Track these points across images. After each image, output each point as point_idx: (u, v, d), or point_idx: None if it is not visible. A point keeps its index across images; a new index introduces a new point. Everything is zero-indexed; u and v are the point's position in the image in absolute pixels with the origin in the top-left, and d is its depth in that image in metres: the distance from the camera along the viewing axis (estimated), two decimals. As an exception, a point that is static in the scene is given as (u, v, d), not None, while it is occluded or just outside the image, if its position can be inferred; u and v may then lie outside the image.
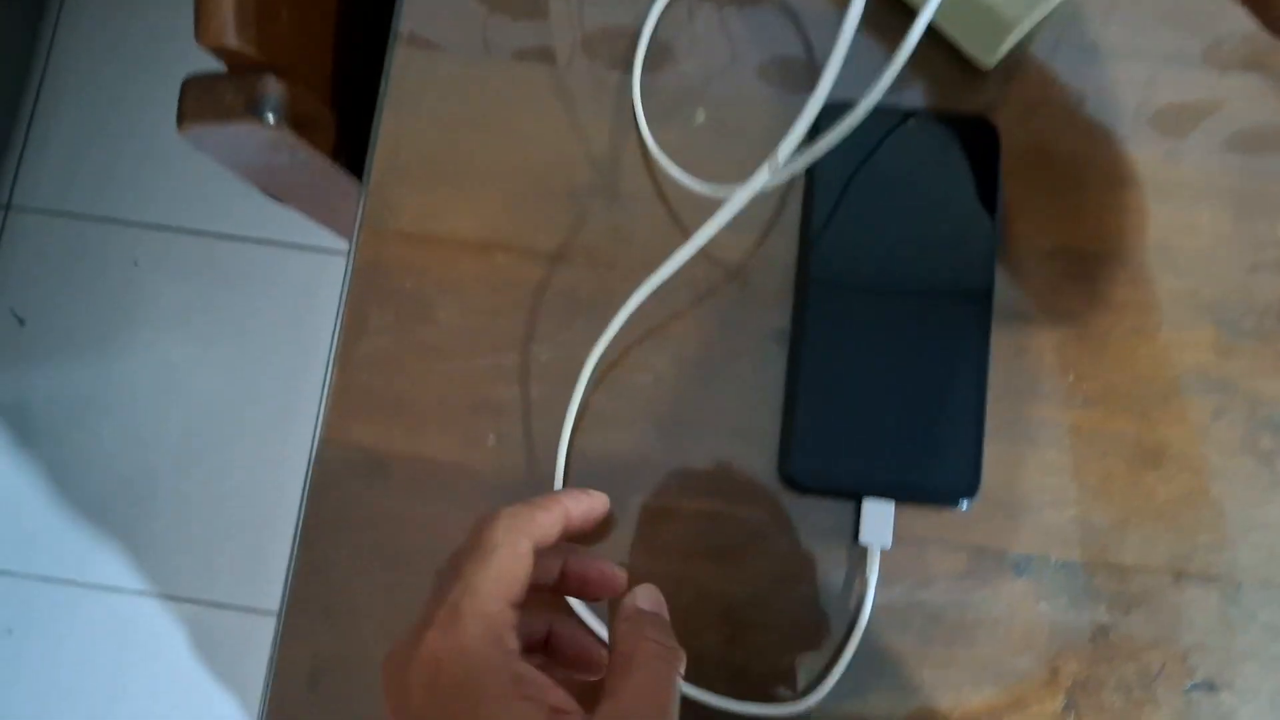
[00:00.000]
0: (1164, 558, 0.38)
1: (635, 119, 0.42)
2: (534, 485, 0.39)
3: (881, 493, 0.38)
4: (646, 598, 0.34)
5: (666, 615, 0.34)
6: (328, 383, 0.40)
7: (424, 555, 0.39)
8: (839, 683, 0.37)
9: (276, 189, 0.47)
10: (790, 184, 0.41)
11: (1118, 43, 0.42)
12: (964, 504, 0.38)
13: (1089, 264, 0.40)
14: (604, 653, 0.34)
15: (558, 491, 0.33)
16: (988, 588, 0.38)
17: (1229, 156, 0.41)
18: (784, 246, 0.41)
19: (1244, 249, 0.40)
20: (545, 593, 0.34)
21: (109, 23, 1.07)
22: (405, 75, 0.42)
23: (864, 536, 0.38)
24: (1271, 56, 0.42)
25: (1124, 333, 0.40)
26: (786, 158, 0.36)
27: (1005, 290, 0.40)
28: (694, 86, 0.42)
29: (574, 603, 0.37)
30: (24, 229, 1.07)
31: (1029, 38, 0.42)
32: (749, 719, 0.37)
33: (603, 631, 0.37)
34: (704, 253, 0.40)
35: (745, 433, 0.40)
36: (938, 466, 0.38)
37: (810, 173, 0.41)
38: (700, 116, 0.42)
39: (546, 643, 0.34)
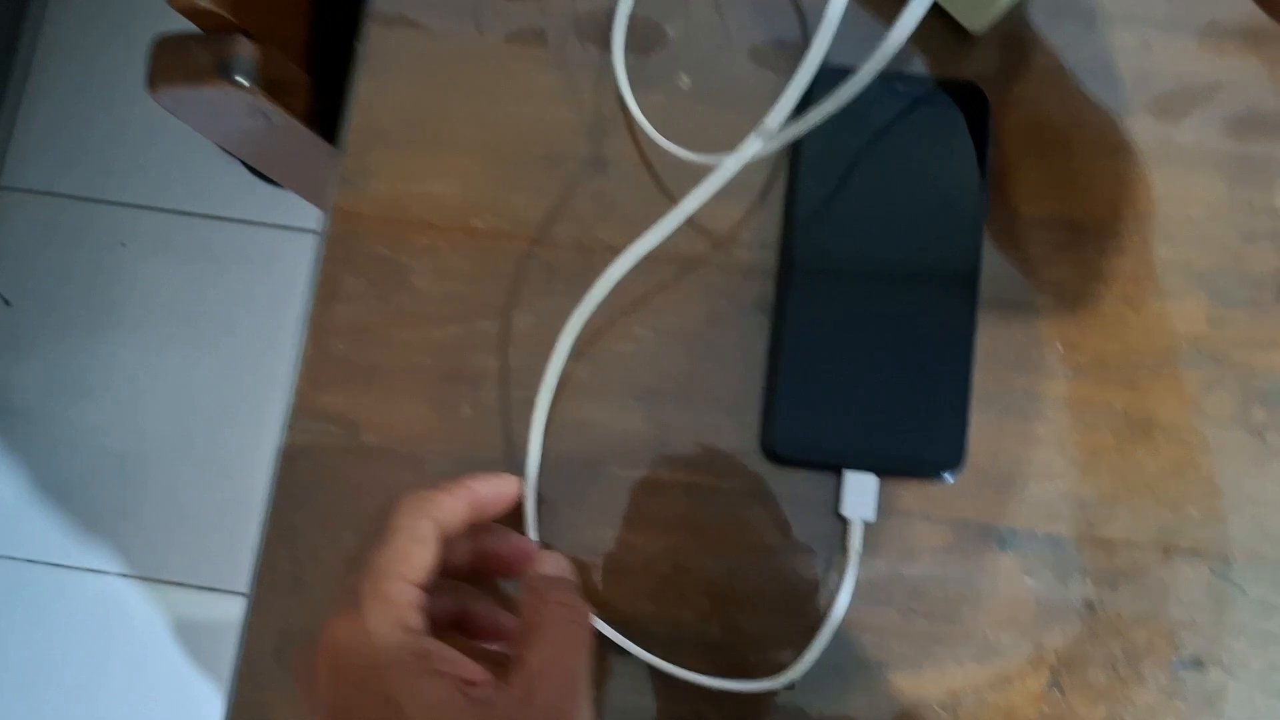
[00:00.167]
0: (1152, 532, 0.37)
1: (617, 84, 0.41)
2: (509, 456, 0.38)
3: (864, 465, 0.37)
4: (551, 564, 0.34)
5: (573, 578, 0.35)
6: (299, 351, 0.40)
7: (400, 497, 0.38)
8: (820, 658, 0.36)
9: (253, 157, 0.46)
10: (780, 152, 0.40)
11: (1113, 9, 0.41)
12: (948, 477, 0.37)
13: (1079, 233, 0.39)
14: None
15: (462, 478, 0.34)
16: (972, 562, 0.37)
17: (1225, 124, 0.40)
18: (772, 217, 0.40)
19: (1238, 218, 0.40)
20: (460, 575, 0.35)
21: (99, 2, 1.06)
22: (383, 37, 0.41)
23: (846, 510, 0.37)
24: (1271, 25, 0.41)
25: (1114, 303, 0.39)
26: (779, 126, 0.35)
27: (994, 260, 0.39)
28: (679, 51, 0.41)
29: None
30: (11, 209, 1.06)
31: (1022, 3, 0.41)
32: (726, 694, 0.36)
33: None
34: (690, 222, 0.40)
35: (728, 404, 0.39)
36: (922, 439, 0.37)
37: (795, 141, 0.40)
38: (685, 81, 0.41)
39: (462, 623, 0.34)
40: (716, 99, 0.41)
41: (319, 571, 0.38)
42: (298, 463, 0.39)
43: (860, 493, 0.37)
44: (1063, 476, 0.38)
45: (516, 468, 0.38)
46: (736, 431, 0.39)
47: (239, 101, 0.40)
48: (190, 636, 0.99)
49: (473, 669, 0.30)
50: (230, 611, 0.99)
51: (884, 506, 0.37)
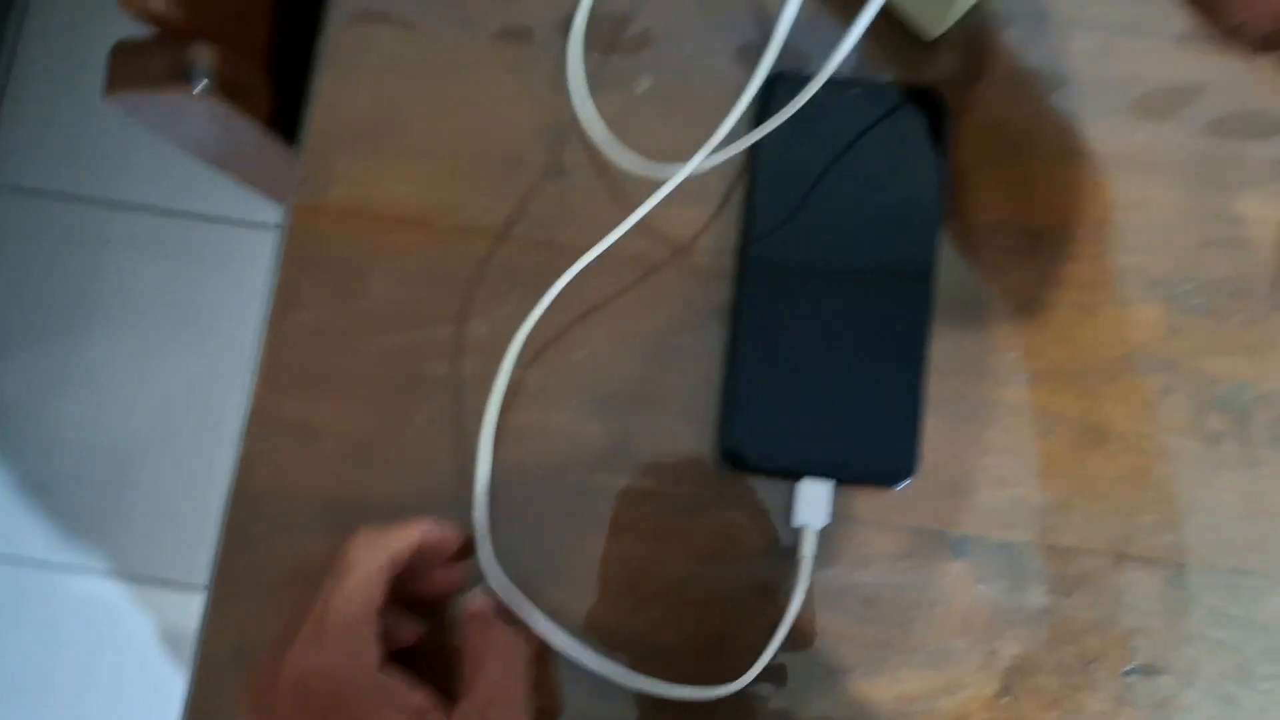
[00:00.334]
0: (1106, 539, 0.38)
1: (572, 91, 0.40)
2: (460, 463, 0.38)
3: (819, 473, 0.37)
4: (482, 598, 0.36)
5: (499, 608, 0.37)
6: (257, 356, 0.40)
7: (354, 533, 0.38)
8: (771, 664, 0.36)
9: (214, 160, 0.46)
10: (739, 158, 0.40)
11: (1071, 12, 0.41)
12: (902, 485, 0.37)
13: (1036, 239, 0.39)
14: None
15: (415, 519, 0.36)
16: (926, 569, 0.38)
17: (1183, 130, 0.40)
18: (731, 222, 0.40)
19: (1195, 224, 0.39)
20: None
21: (81, 1, 1.06)
22: (342, 40, 0.41)
23: (799, 517, 0.37)
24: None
25: (1070, 309, 0.39)
26: (722, 139, 0.35)
27: (950, 266, 0.39)
28: (641, 54, 0.41)
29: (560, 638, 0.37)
30: (-4, 206, 1.06)
31: (979, 7, 0.41)
32: (679, 702, 0.36)
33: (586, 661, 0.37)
34: (648, 228, 0.40)
35: (685, 411, 0.39)
36: (875, 447, 0.37)
37: (755, 147, 0.40)
38: (645, 84, 0.41)
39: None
40: (678, 102, 0.41)
41: (277, 577, 0.38)
42: (255, 468, 0.39)
43: (814, 501, 0.37)
44: (1017, 483, 0.38)
45: (470, 474, 0.38)
46: (694, 438, 0.39)
47: (197, 106, 0.40)
48: (175, 635, 1.00)
49: (423, 699, 0.32)
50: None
51: (838, 513, 0.37)
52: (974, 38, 0.41)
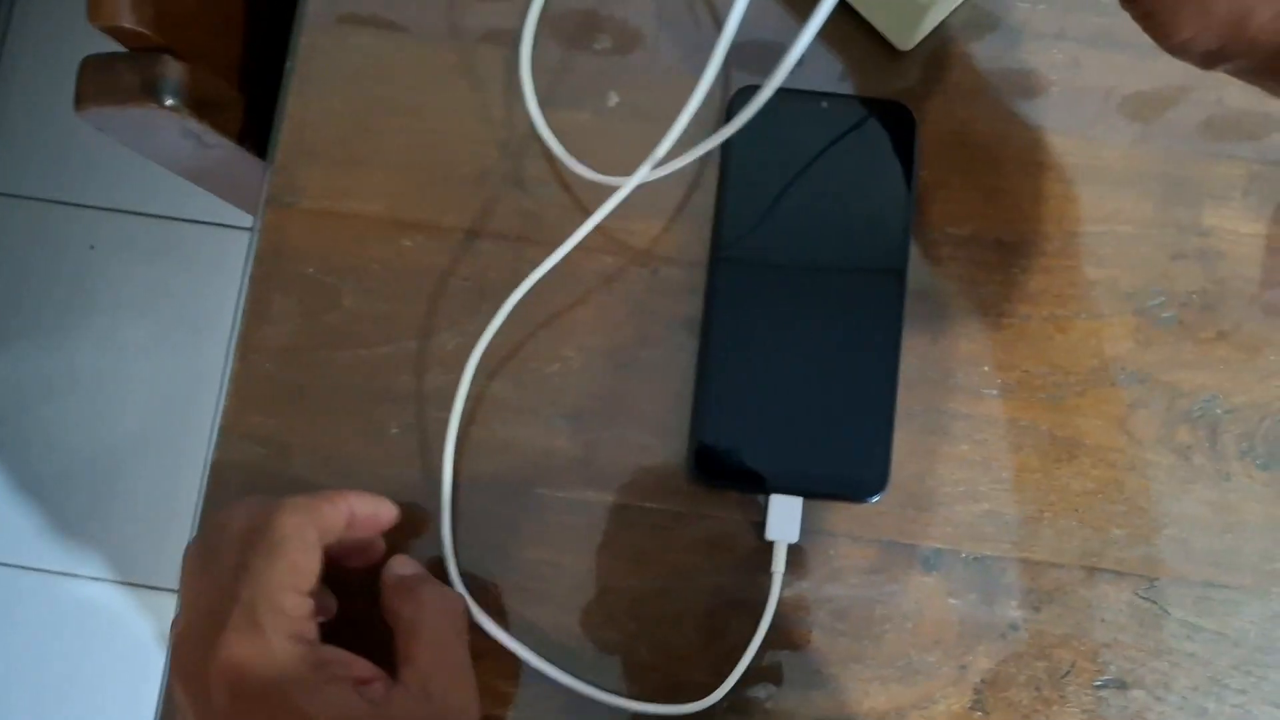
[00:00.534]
0: (1077, 553, 0.37)
1: (530, 105, 0.40)
2: (429, 477, 0.38)
3: (789, 489, 0.37)
4: (405, 563, 0.35)
5: (425, 571, 0.35)
6: (227, 371, 0.40)
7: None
8: (742, 679, 0.36)
9: (187, 173, 0.46)
10: (709, 172, 0.40)
11: (1042, 25, 0.41)
12: (873, 499, 0.37)
13: (1006, 251, 0.39)
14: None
15: (344, 490, 0.34)
16: (897, 583, 0.37)
17: (1154, 142, 0.40)
18: (697, 233, 0.40)
19: (1166, 237, 0.39)
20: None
21: (66, 5, 1.06)
22: (312, 54, 0.41)
23: (770, 532, 0.37)
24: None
25: (1041, 322, 0.39)
26: (667, 150, 0.36)
27: (920, 279, 0.39)
28: (607, 68, 0.41)
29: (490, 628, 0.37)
30: (-17, 212, 1.06)
31: (950, 19, 0.41)
32: (650, 718, 0.36)
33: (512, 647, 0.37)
34: (615, 239, 0.40)
35: (654, 424, 0.39)
36: (846, 462, 0.37)
37: (724, 159, 0.40)
38: (613, 99, 0.41)
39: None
40: (644, 116, 0.41)
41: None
42: (226, 483, 0.39)
43: (785, 515, 0.37)
44: (988, 497, 0.38)
45: (437, 488, 0.38)
46: (664, 452, 0.38)
47: (168, 121, 0.40)
48: (162, 639, 1.00)
49: (365, 667, 0.31)
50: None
51: (809, 526, 0.37)
52: (946, 50, 0.41)
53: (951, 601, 0.37)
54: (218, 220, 1.05)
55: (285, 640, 0.29)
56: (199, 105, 0.40)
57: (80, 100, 0.39)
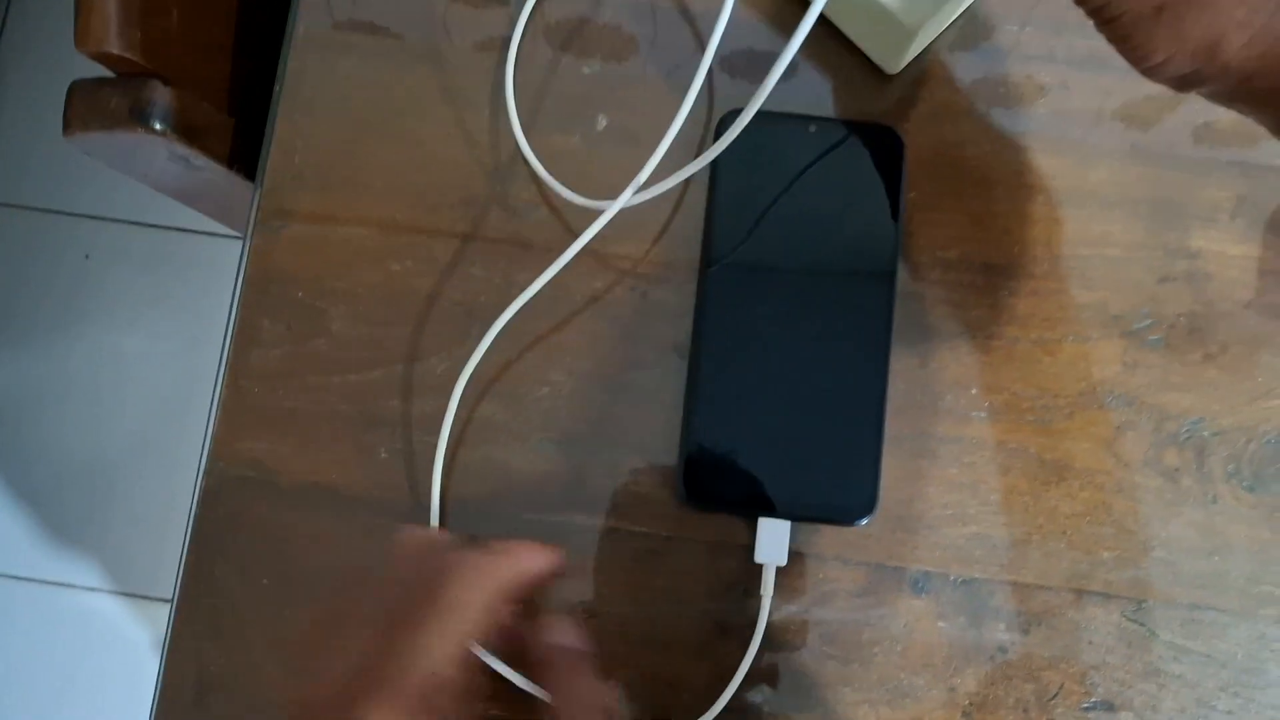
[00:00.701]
0: (1065, 575, 0.38)
1: (515, 129, 0.40)
2: (418, 501, 0.38)
3: (778, 512, 0.37)
4: (567, 630, 0.32)
5: (585, 646, 0.32)
6: (217, 395, 0.40)
7: (314, 572, 0.38)
8: (731, 703, 0.36)
9: (177, 195, 0.46)
10: (693, 192, 0.40)
11: (1030, 47, 0.41)
12: (863, 522, 0.38)
13: (995, 274, 0.39)
14: None
15: (518, 544, 0.31)
16: (886, 606, 0.38)
17: (1142, 165, 0.40)
18: (687, 256, 0.40)
19: (1154, 260, 0.39)
20: None
21: (59, 13, 1.06)
22: (301, 78, 0.41)
23: (759, 555, 0.37)
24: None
25: (1029, 345, 0.39)
26: (649, 175, 0.36)
27: (908, 301, 0.39)
28: (597, 91, 0.41)
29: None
30: (-22, 221, 1.06)
31: (938, 42, 0.41)
32: (639, 740, 0.36)
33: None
34: (604, 262, 0.40)
35: (644, 447, 0.39)
36: (835, 486, 0.37)
37: (713, 182, 0.40)
38: (602, 122, 0.41)
39: None
40: (633, 139, 0.41)
41: (237, 617, 0.38)
42: (215, 507, 0.39)
43: (774, 538, 0.37)
44: (976, 520, 0.38)
45: (426, 512, 0.38)
46: (653, 475, 0.39)
47: (156, 146, 0.40)
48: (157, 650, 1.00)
49: None
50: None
51: (799, 549, 0.37)
52: (934, 73, 0.41)
53: (940, 624, 0.37)
54: (212, 230, 1.05)
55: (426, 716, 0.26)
56: (187, 129, 0.40)
57: (68, 125, 0.39)
